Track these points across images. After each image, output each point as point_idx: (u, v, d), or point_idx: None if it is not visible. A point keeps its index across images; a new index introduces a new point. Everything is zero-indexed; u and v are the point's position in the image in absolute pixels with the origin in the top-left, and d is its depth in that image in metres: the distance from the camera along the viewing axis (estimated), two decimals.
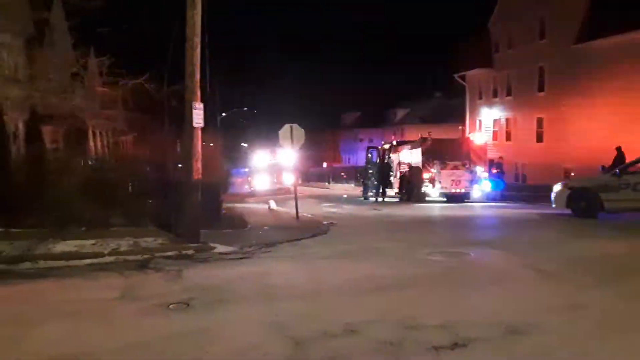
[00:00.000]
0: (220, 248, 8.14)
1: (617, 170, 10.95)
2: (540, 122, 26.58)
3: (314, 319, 4.50)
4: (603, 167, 12.52)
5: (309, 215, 13.60)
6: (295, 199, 12.98)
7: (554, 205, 12.11)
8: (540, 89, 26.43)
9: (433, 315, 4.48)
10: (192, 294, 5.37)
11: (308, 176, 39.43)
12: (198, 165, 8.54)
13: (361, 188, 22.34)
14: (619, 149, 14.55)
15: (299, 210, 12.75)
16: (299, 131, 12.61)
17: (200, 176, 8.56)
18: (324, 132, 58.07)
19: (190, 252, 7.89)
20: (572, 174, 20.06)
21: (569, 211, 11.65)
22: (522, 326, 4.15)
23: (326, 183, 39.75)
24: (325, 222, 12.14)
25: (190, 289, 5.67)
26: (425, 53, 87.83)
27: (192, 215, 8.51)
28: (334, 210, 16.79)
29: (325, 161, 50.45)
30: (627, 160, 12.26)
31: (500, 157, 19.23)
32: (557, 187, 12.12)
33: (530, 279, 5.92)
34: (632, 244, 8.09)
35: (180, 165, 9.21)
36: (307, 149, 26.47)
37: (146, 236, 8.31)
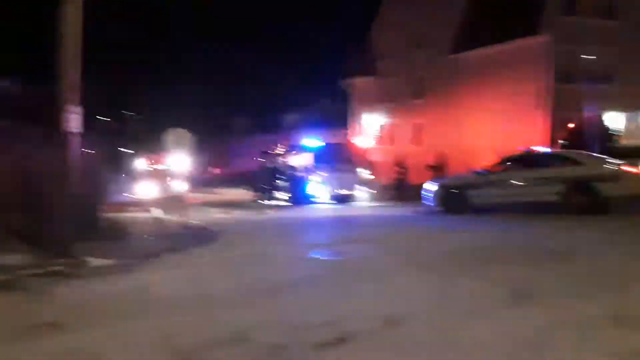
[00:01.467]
0: (96, 261, 7.57)
1: (483, 169, 12.17)
2: (418, 127, 28.62)
3: (202, 329, 4.40)
4: (471, 168, 13.82)
5: (197, 222, 13.24)
6: (183, 206, 12.59)
7: (428, 203, 13.10)
8: (418, 96, 28.47)
9: (319, 314, 4.61)
10: (64, 314, 4.95)
11: (198, 182, 38.30)
12: (73, 173, 7.91)
13: (252, 193, 22.25)
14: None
15: (187, 218, 12.37)
16: (186, 136, 12.29)
17: (74, 185, 7.93)
18: (215, 136, 56.80)
19: (61, 268, 7.24)
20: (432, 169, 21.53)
21: (441, 208, 12.68)
22: (400, 317, 4.43)
23: (216, 189, 38.91)
24: (214, 229, 11.92)
25: (61, 308, 5.23)
26: (315, 59, 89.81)
27: (63, 228, 7.84)
28: (224, 216, 16.52)
29: (215, 166, 49.43)
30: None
31: (403, 157, 20.15)
32: (430, 187, 13.15)
33: (407, 272, 6.35)
34: (495, 236, 9.02)
35: (54, 174, 8.45)
36: (196, 154, 25.69)
37: (8, 253, 7.49)
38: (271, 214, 16.66)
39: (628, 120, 21.12)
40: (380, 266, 6.85)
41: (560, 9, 20.47)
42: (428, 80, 27.44)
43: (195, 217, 14.10)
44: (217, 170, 44.97)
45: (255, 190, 21.98)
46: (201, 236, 10.57)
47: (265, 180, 21.59)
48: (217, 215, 16.75)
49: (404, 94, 29.28)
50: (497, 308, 4.70)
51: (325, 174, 18.73)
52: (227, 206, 21.23)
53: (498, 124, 21.98)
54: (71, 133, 7.84)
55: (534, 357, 3.64)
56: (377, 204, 17.89)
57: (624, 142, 19.23)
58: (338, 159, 19.15)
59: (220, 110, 61.78)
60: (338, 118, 39.12)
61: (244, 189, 31.42)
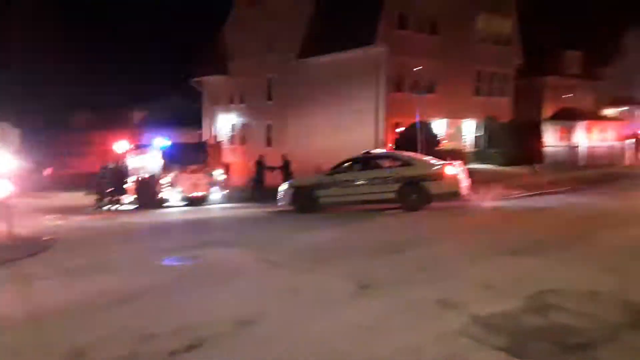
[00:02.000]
0: None
1: (329, 171, 12.86)
2: (269, 128, 29.10)
3: (32, 349, 3.99)
4: (318, 168, 14.38)
5: (27, 231, 11.80)
6: (8, 212, 11.09)
7: (281, 204, 13.44)
8: (269, 98, 28.94)
9: (168, 322, 4.49)
10: None
11: (29, 185, 34.01)
12: None
13: (94, 196, 20.45)
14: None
15: (14, 226, 10.93)
16: (12, 132, 10.83)
17: None
18: (50, 133, 50.87)
19: None
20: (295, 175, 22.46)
21: (294, 208, 13.10)
22: (251, 316, 4.53)
23: (51, 192, 35.00)
24: (47, 237, 10.74)
25: None
26: (166, 55, 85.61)
27: None
28: (60, 222, 14.96)
29: (49, 167, 44.33)
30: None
31: (261, 156, 20.02)
32: (282, 187, 13.52)
33: (260, 272, 6.50)
34: (340, 233, 9.62)
35: None
36: (27, 154, 22.80)
37: None
38: (115, 219, 15.54)
39: (448, 125, 24.12)
40: (232, 268, 6.87)
41: (394, 23, 22.52)
42: (278, 83, 28.06)
43: (26, 225, 12.55)
44: (51, 172, 40.38)
45: (97, 193, 20.28)
46: (32, 246, 9.47)
47: (109, 182, 20.05)
48: (53, 222, 15.11)
49: (256, 95, 29.54)
50: (342, 299, 5.06)
51: (176, 175, 18.04)
52: (64, 212, 19.25)
53: (343, 126, 23.38)
54: None
55: (374, 341, 4.02)
56: (231, 205, 17.81)
57: (446, 145, 21.94)
58: (189, 159, 18.57)
59: (55, 103, 55.52)
60: (190, 117, 37.95)
61: (84, 192, 28.75)
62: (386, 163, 12.67)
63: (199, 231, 11.64)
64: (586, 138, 26.32)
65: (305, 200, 12.75)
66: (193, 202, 18.44)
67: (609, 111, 31.20)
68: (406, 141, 19.18)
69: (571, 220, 9.90)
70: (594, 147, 23.55)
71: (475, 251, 7.12)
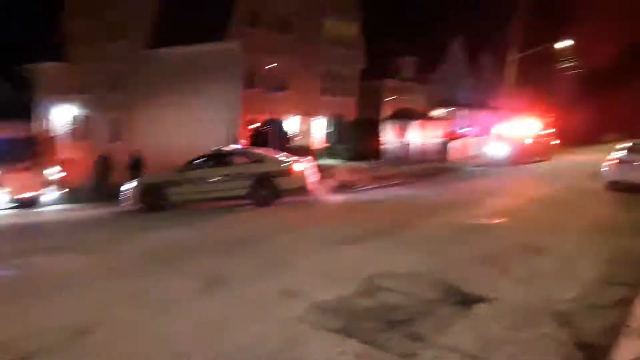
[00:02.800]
0: None
1: (180, 167, 12.56)
2: (117, 121, 27.20)
3: None
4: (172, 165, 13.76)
5: None
6: None
7: (127, 202, 12.76)
8: (116, 89, 27.01)
9: None
10: None
11: None
12: None
13: None
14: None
15: None
16: None
17: None
18: None
19: None
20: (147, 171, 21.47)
21: (141, 207, 12.53)
22: (87, 325, 4.35)
23: None
24: None
25: None
26: None
27: None
28: None
29: None
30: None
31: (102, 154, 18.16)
32: (130, 185, 12.85)
33: (99, 277, 6.17)
34: (191, 231, 9.55)
35: None
36: None
37: None
38: None
39: (300, 123, 25.13)
40: (66, 275, 6.40)
41: (246, 20, 22.67)
42: (126, 73, 26.32)
43: None
44: None
45: None
46: None
47: None
48: None
49: (100, 85, 27.32)
50: (189, 298, 5.12)
51: (3, 174, 15.94)
52: None
53: (196, 122, 22.88)
54: None
55: (220, 336, 4.17)
56: (70, 207, 16.33)
57: (298, 142, 22.83)
58: (18, 155, 16.53)
59: None
60: (18, 108, 33.54)
61: None
62: (239, 160, 12.78)
63: (29, 237, 10.49)
64: (418, 136, 29.40)
65: (155, 199, 12.30)
66: (23, 204, 16.48)
67: (437, 112, 35.22)
68: (260, 138, 19.53)
69: (399, 210, 11.10)
70: (423, 144, 26.36)
71: (316, 242, 7.65)
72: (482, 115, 40.20)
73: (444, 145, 27.94)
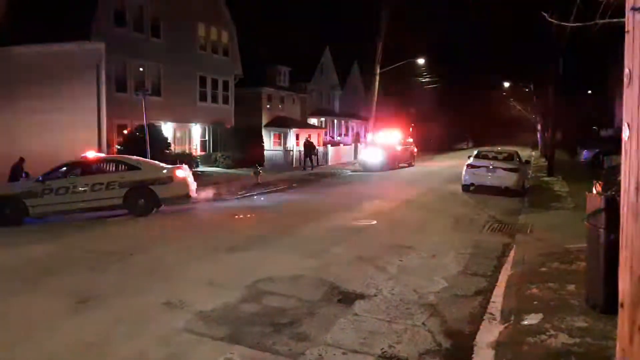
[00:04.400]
0: None
1: (40, 176, 11.40)
2: None
3: None
4: (26, 173, 12.46)
5: None
6: None
7: None
8: None
9: None
10: None
11: None
12: None
13: None
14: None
15: None
16: None
17: None
18: None
19: None
20: None
21: None
22: None
23: None
24: None
25: None
26: None
27: None
28: None
29: None
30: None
31: None
32: None
33: None
34: (56, 246, 8.62)
35: None
36: None
37: None
38: None
39: (176, 129, 24.27)
40: None
41: (112, 19, 21.31)
42: None
43: None
44: None
45: None
46: None
47: None
48: None
49: None
50: (60, 318, 4.70)
51: None
52: None
53: (60, 127, 20.88)
54: None
55: (95, 356, 3.90)
56: None
57: (174, 149, 22.02)
58: None
59: None
60: None
61: None
62: (110, 167, 11.97)
63: None
64: (296, 143, 30.15)
65: (10, 211, 11.01)
66: None
67: (312, 120, 36.35)
68: (133, 144, 18.48)
69: (282, 216, 11.30)
70: (301, 151, 27.06)
71: (199, 251, 7.49)
72: (354, 125, 42.54)
73: (326, 151, 29.02)
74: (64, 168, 11.69)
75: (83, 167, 11.75)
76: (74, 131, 20.66)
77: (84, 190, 11.28)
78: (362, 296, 5.25)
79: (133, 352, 3.96)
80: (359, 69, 42.17)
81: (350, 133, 41.52)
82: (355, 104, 42.24)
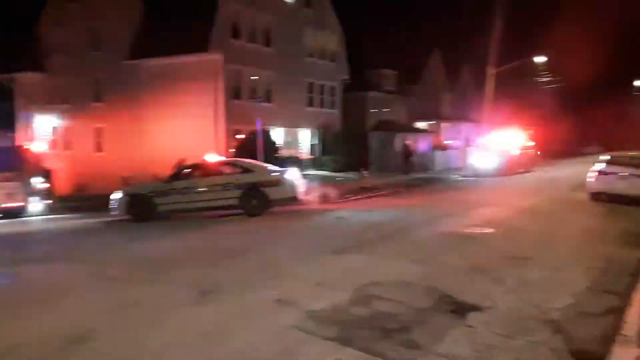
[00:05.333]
0: None
1: (167, 178, 12.47)
2: (99, 131, 26.90)
3: None
4: (153, 175, 13.76)
5: None
6: None
7: (115, 213, 12.60)
8: (98, 99, 26.75)
9: None
10: None
11: None
12: None
13: None
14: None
15: None
16: None
17: None
18: None
19: None
20: (130, 182, 21.30)
21: (128, 216, 12.38)
22: (81, 334, 4.28)
23: None
24: None
25: None
26: None
27: None
28: None
29: None
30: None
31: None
32: (116, 195, 12.69)
33: (91, 287, 6.09)
34: (179, 241, 9.43)
35: None
36: None
37: None
38: None
39: (285, 134, 25.17)
40: (58, 284, 6.31)
41: (228, 31, 22.73)
42: (107, 84, 26.09)
43: None
44: None
45: None
46: None
47: None
48: None
49: (82, 95, 27.01)
50: (183, 308, 5.06)
51: None
52: None
53: (181, 133, 22.74)
54: None
55: (213, 346, 4.13)
56: (57, 217, 16.04)
57: (283, 153, 22.85)
58: (2, 165, 16.22)
59: None
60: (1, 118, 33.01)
61: None
62: (227, 170, 12.74)
63: (16, 246, 10.30)
64: (403, 147, 29.66)
65: (142, 209, 12.18)
66: (7, 214, 16.16)
67: (419, 124, 35.60)
68: (246, 148, 19.48)
69: (388, 220, 11.12)
70: (409, 155, 26.61)
71: (306, 251, 7.66)
72: (464, 128, 40.87)
73: (435, 155, 28.31)
74: (187, 170, 12.67)
75: (203, 169, 12.64)
76: (194, 136, 22.34)
77: (203, 190, 12.12)
78: (476, 308, 4.98)
79: (247, 344, 4.13)
80: (469, 70, 40.55)
81: (460, 137, 40.00)
82: (465, 107, 40.63)
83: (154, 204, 12.15)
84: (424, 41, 34.49)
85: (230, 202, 11.98)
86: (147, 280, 6.22)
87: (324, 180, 20.33)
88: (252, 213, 11.85)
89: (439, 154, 28.70)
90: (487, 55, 28.42)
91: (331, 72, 28.02)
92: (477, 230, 9.35)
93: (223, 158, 15.84)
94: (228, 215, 12.01)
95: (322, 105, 27.82)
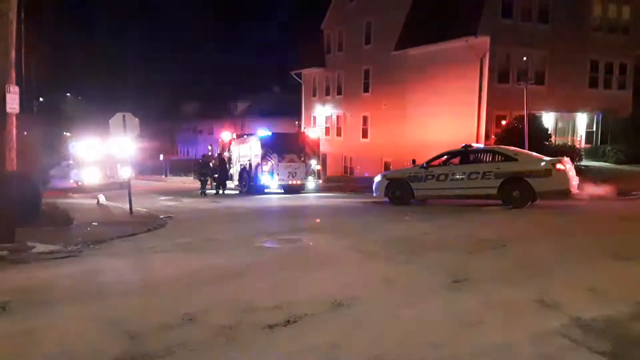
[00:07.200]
0: (41, 247, 7.44)
1: (424, 163, 12.68)
2: (365, 119, 29.21)
3: (150, 312, 4.49)
4: (413, 160, 14.10)
5: (145, 210, 13.06)
6: (129, 192, 12.37)
7: (375, 194, 13.53)
8: (366, 90, 29.02)
9: (268, 298, 4.80)
10: (8, 297, 4.90)
11: (144, 169, 37.36)
12: (12, 155, 7.66)
13: (202, 181, 21.92)
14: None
15: (134, 205, 12.18)
16: (133, 120, 11.97)
17: (14, 167, 7.68)
18: (162, 122, 55.41)
19: (3, 252, 7.08)
20: (391, 167, 22.51)
21: (387, 199, 13.12)
22: (346, 300, 4.71)
23: (163, 176, 38.15)
24: (162, 216, 11.82)
25: (5, 292, 5.16)
26: (265, 48, 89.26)
27: (4, 212, 7.60)
28: (172, 203, 16.34)
29: (162, 153, 48.25)
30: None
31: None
32: (377, 178, 13.58)
33: (354, 259, 6.67)
34: (434, 225, 9.48)
35: None
36: (143, 140, 25.09)
37: None
38: (220, 202, 16.63)
39: (558, 120, 22.55)
40: (328, 253, 7.11)
41: (499, 12, 21.42)
42: (374, 74, 28.02)
43: (143, 205, 13.89)
44: (165, 157, 43.87)
45: (203, 178, 21.75)
46: (149, 223, 10.50)
47: (215, 168, 21.43)
48: (166, 202, 16.53)
49: (353, 87, 29.77)
50: (435, 292, 5.07)
51: (276, 164, 18.85)
52: (175, 194, 20.95)
53: (440, 119, 22.79)
54: (10, 113, 7.57)
55: (463, 336, 4.00)
56: (326, 195, 18.24)
57: (555, 141, 20.57)
58: (288, 149, 19.28)
59: (168, 95, 60.31)
60: (290, 108, 39.21)
61: (192, 177, 30.87)
62: (487, 157, 12.21)
63: (295, 217, 12.11)
64: None
65: (400, 192, 12.73)
66: (290, 189, 19.17)
67: None
68: (511, 135, 18.32)
69: None
70: None
71: (576, 252, 6.72)
72: None
73: None
74: (445, 156, 12.63)
75: (462, 156, 12.39)
76: (455, 122, 22.08)
77: (461, 178, 11.90)
78: None
79: (503, 342, 3.85)
80: None
81: None
82: None
83: (411, 188, 12.53)
84: None
85: (489, 191, 11.45)
86: (402, 261, 6.45)
87: (604, 173, 17.57)
88: (513, 205, 11.08)
89: None
90: None
91: (621, 47, 23.77)
92: None
93: (482, 145, 15.23)
94: (486, 205, 11.53)
95: (607, 86, 23.95)
